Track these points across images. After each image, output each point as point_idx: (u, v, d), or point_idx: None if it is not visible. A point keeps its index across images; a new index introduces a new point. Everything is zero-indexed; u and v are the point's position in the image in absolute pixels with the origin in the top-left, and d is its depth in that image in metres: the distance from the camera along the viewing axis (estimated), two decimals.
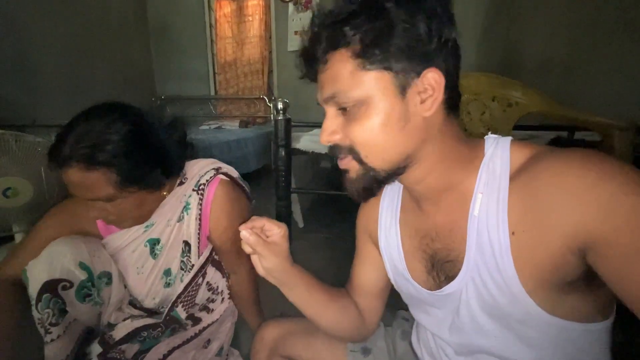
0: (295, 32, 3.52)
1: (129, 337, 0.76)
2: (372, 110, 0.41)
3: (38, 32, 2.55)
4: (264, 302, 0.96)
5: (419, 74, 0.41)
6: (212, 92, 3.97)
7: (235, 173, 0.87)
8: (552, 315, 0.41)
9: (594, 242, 0.34)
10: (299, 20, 3.48)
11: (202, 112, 3.92)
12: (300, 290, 0.57)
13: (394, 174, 0.45)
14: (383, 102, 0.41)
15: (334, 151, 0.46)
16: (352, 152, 0.44)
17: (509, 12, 2.65)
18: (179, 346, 0.79)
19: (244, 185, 0.88)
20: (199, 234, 0.79)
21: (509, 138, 0.46)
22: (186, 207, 0.79)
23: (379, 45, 0.39)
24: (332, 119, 0.45)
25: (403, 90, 0.41)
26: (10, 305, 0.68)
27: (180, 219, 0.79)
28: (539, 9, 2.45)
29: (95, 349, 0.73)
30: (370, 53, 0.40)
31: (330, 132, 0.45)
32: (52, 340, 0.68)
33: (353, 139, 0.44)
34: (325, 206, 2.47)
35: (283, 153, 1.73)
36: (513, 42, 2.65)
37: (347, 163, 0.46)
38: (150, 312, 0.83)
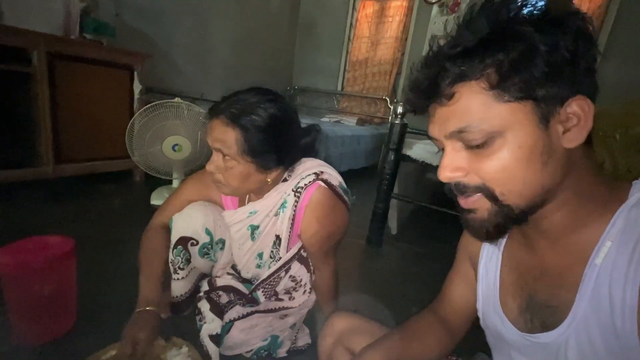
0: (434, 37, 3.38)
1: (225, 289, 0.91)
2: (510, 144, 0.37)
3: (216, 25, 3.20)
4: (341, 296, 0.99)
5: (562, 102, 0.36)
6: (339, 88, 4.19)
7: (336, 180, 0.85)
8: None
9: None
10: (441, 24, 3.32)
11: (326, 105, 4.19)
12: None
13: (531, 211, 0.40)
14: (523, 134, 0.37)
15: (458, 189, 0.41)
16: (484, 189, 0.39)
17: None
18: (259, 311, 0.91)
19: (342, 194, 0.86)
20: (290, 232, 0.86)
21: None
22: (283, 205, 0.84)
23: (519, 74, 0.35)
24: (454, 154, 0.40)
25: (545, 119, 0.36)
26: (163, 243, 0.87)
27: (276, 214, 0.86)
28: None
29: (204, 286, 0.92)
30: (509, 83, 0.36)
31: (454, 168, 0.40)
32: (177, 279, 0.88)
33: (486, 175, 0.39)
34: (423, 219, 2.35)
35: (392, 157, 1.72)
36: None
37: (475, 202, 0.41)
38: (244, 280, 0.97)
